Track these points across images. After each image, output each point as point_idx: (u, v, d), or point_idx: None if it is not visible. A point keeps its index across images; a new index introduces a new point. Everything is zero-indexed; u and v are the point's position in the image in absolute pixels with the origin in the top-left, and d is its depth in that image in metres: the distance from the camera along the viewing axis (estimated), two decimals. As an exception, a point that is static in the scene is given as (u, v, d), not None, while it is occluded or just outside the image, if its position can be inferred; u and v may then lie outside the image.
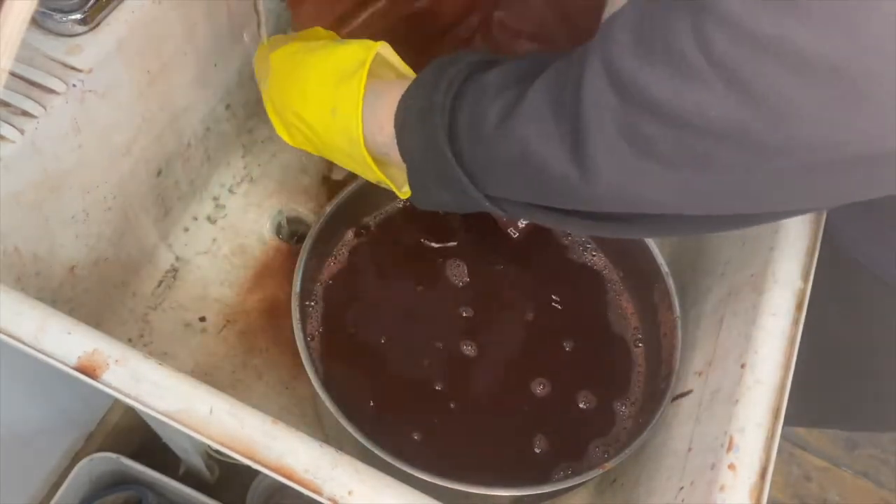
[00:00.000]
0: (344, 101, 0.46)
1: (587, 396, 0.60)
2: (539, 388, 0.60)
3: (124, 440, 0.76)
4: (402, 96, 0.44)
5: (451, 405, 0.59)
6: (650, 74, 0.31)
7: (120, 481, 0.73)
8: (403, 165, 0.46)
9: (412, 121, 0.43)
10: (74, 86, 0.52)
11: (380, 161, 0.48)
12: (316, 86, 0.48)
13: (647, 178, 0.34)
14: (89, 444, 0.75)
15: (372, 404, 0.59)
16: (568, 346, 0.62)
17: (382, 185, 0.50)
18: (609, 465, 0.52)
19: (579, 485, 0.54)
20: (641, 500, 0.54)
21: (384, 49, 0.47)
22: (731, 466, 0.44)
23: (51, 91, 0.51)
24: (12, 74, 0.51)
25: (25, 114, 0.51)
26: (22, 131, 0.50)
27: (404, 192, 0.49)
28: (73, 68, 0.52)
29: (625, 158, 0.34)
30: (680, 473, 0.49)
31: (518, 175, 0.39)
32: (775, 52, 0.27)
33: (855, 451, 1.21)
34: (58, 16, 0.52)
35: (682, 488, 0.47)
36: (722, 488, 0.43)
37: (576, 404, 0.60)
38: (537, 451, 0.57)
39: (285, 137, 0.52)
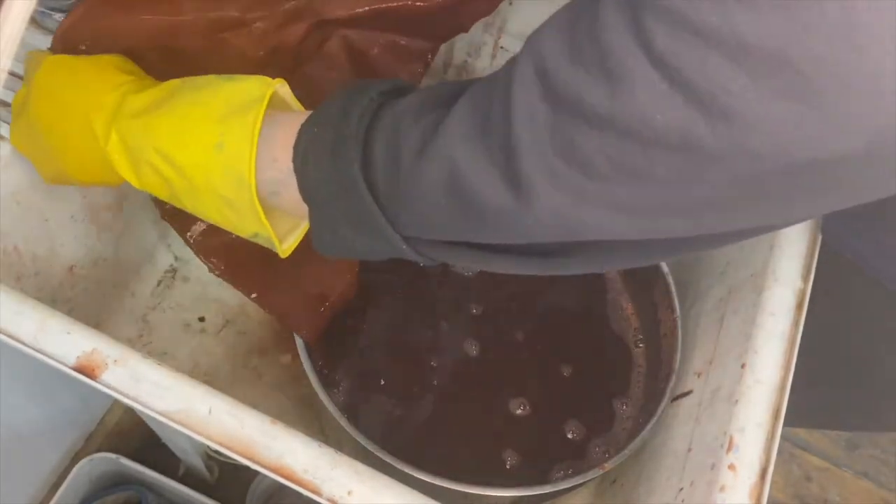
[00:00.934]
0: (234, 135, 0.40)
1: (576, 427, 0.60)
2: (519, 409, 0.60)
3: (124, 440, 0.76)
4: (303, 126, 0.39)
5: (434, 382, 0.60)
6: (586, 80, 0.28)
7: (120, 481, 0.73)
8: (290, 209, 0.41)
9: (318, 154, 0.38)
10: (74, 86, 0.52)
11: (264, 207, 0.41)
12: (197, 121, 0.41)
13: (587, 198, 0.31)
14: (89, 444, 0.75)
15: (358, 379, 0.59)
16: (566, 356, 0.62)
17: (258, 241, 0.43)
18: (609, 466, 0.52)
19: (579, 485, 0.54)
20: (641, 500, 0.54)
21: (282, 88, 0.42)
22: (731, 467, 0.44)
23: (50, 91, 0.51)
24: (12, 74, 0.51)
25: (25, 114, 0.50)
26: (21, 131, 0.50)
27: (286, 249, 0.44)
28: (72, 68, 0.52)
29: (562, 176, 0.30)
30: (680, 473, 0.49)
31: (444, 205, 0.35)
32: (718, 43, 0.25)
33: (855, 451, 1.21)
34: (57, 15, 0.52)
35: (681, 489, 0.47)
36: (722, 488, 0.43)
37: (563, 433, 0.59)
38: (508, 466, 0.58)
39: (129, 177, 0.44)
